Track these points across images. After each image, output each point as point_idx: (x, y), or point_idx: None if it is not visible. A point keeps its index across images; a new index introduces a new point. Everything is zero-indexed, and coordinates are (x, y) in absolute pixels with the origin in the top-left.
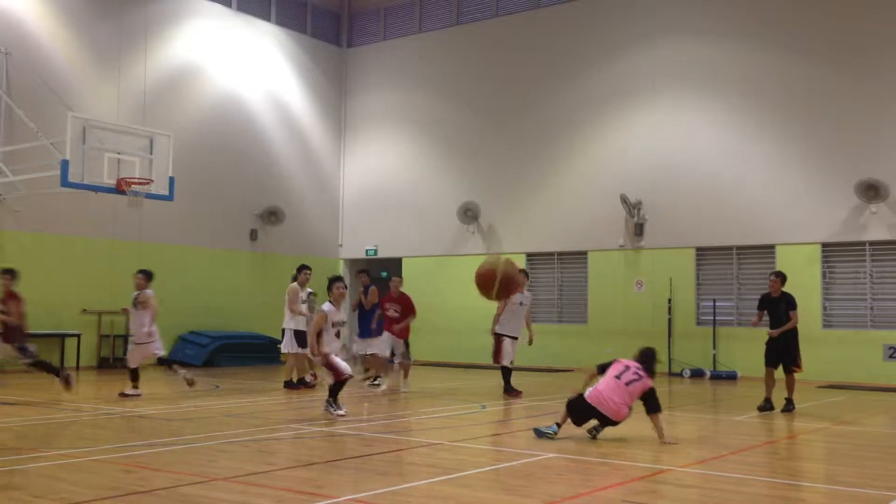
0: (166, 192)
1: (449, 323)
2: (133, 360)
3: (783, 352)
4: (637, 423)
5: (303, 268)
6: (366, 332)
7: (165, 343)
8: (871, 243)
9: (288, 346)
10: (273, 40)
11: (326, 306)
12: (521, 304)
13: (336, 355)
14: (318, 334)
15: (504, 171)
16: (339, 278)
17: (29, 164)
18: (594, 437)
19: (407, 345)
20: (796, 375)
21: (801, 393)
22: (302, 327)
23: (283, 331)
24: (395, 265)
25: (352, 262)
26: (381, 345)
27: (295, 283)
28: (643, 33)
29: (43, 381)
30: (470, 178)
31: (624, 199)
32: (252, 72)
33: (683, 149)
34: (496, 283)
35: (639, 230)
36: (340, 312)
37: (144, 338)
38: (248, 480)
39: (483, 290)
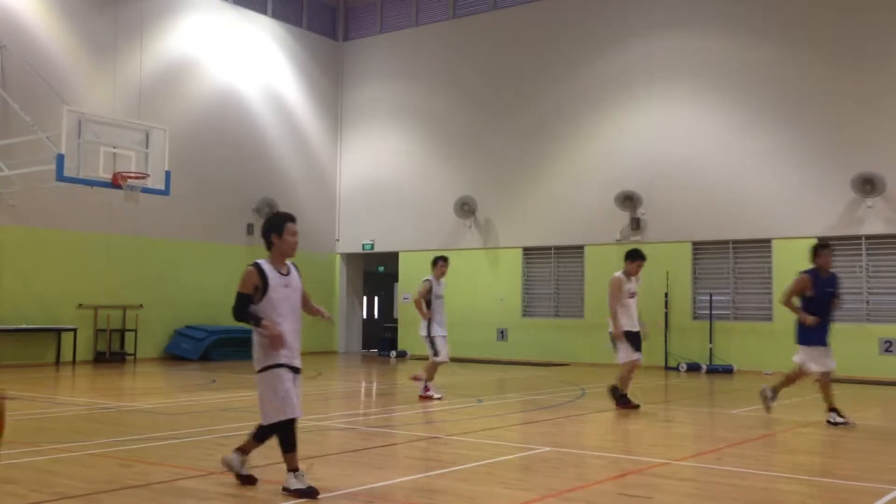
0: (162, 187)
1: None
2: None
3: None
4: (636, 419)
5: (634, 255)
6: None
7: (162, 338)
8: (868, 237)
9: (623, 353)
10: (269, 34)
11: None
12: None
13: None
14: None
15: (501, 165)
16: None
17: (24, 159)
18: None
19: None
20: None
21: (798, 386)
22: (635, 327)
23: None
24: (392, 260)
25: (348, 257)
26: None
27: (620, 273)
28: (641, 27)
29: (39, 376)
30: (467, 173)
31: (628, 197)
32: (248, 66)
33: (680, 143)
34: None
35: (635, 224)
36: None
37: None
38: None
39: None
